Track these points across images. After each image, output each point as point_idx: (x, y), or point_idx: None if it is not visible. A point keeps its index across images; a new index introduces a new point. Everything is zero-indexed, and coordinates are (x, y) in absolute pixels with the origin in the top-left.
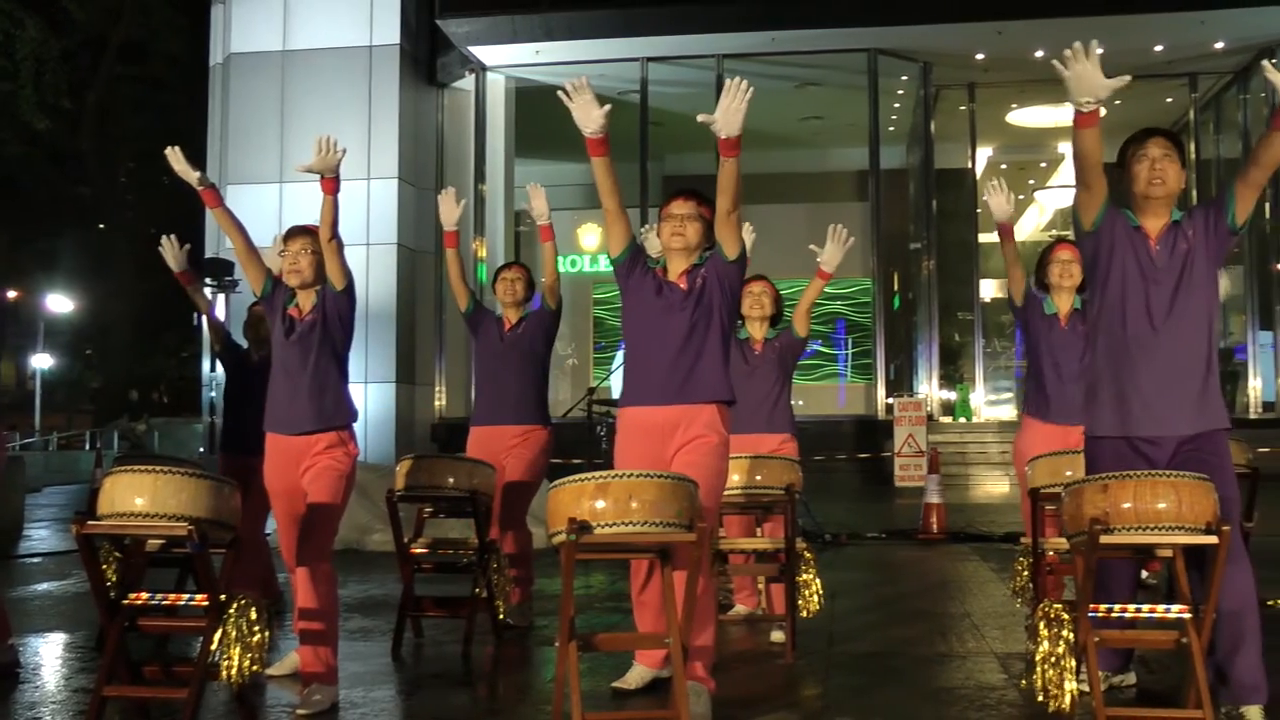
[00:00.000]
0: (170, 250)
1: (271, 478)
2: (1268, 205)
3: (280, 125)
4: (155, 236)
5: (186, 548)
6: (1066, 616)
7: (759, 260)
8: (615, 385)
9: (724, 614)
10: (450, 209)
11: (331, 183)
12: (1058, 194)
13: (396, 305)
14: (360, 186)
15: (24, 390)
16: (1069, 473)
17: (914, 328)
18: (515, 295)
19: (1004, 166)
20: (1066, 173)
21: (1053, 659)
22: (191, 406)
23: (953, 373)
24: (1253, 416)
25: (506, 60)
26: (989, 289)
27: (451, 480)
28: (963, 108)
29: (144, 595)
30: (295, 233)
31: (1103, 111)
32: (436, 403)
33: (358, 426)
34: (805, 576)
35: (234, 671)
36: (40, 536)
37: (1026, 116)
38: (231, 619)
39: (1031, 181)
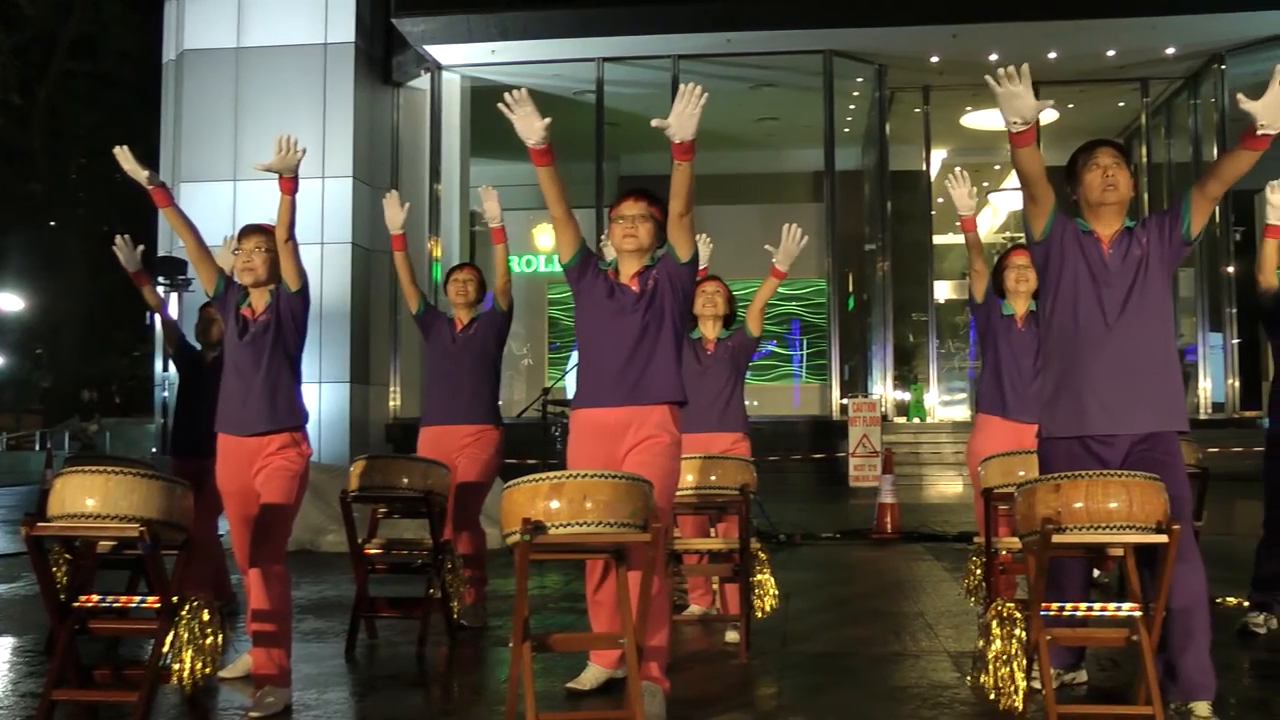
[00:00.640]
0: (124, 250)
1: (224, 478)
2: (1217, 209)
3: (234, 123)
4: (107, 234)
5: (138, 549)
6: (1019, 615)
7: (713, 260)
8: (570, 385)
9: (678, 614)
10: (395, 213)
11: (290, 182)
12: (1012, 196)
13: (351, 305)
14: (315, 185)
15: None
16: (1022, 473)
17: (869, 328)
18: (467, 296)
19: (958, 169)
20: None
21: (1005, 657)
22: (144, 406)
23: (907, 373)
24: (1203, 417)
25: (462, 59)
26: (943, 290)
27: (406, 481)
28: (917, 110)
29: (95, 597)
30: (249, 231)
31: (1044, 121)
32: (391, 403)
33: (311, 427)
34: (760, 577)
35: (186, 674)
36: None
37: (981, 119)
38: (184, 621)
39: (986, 184)
